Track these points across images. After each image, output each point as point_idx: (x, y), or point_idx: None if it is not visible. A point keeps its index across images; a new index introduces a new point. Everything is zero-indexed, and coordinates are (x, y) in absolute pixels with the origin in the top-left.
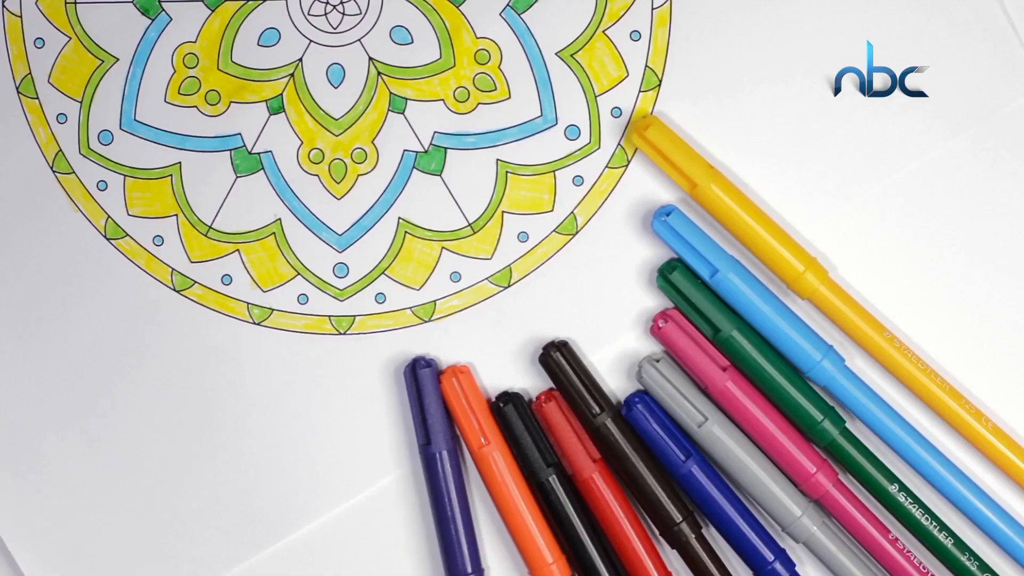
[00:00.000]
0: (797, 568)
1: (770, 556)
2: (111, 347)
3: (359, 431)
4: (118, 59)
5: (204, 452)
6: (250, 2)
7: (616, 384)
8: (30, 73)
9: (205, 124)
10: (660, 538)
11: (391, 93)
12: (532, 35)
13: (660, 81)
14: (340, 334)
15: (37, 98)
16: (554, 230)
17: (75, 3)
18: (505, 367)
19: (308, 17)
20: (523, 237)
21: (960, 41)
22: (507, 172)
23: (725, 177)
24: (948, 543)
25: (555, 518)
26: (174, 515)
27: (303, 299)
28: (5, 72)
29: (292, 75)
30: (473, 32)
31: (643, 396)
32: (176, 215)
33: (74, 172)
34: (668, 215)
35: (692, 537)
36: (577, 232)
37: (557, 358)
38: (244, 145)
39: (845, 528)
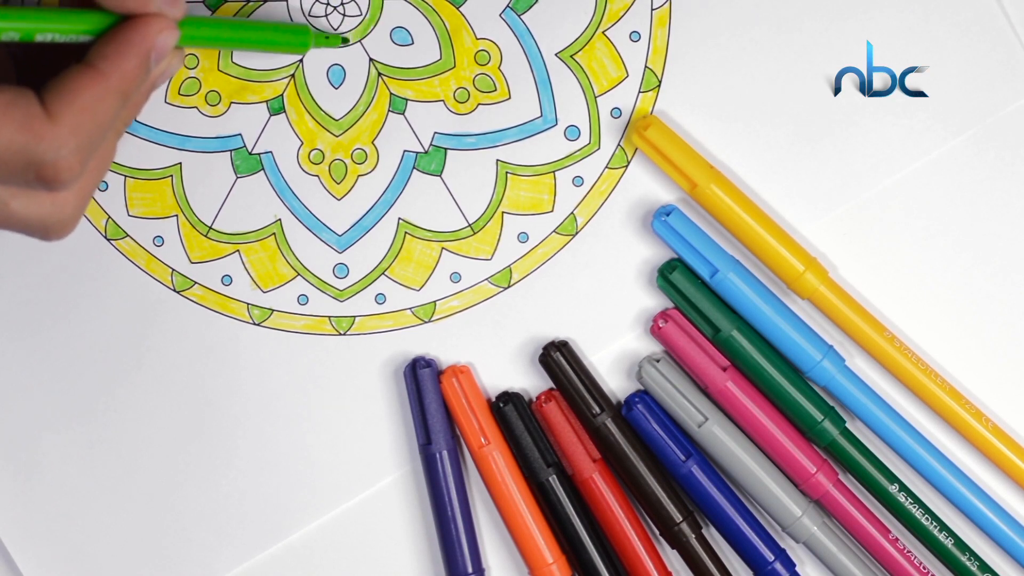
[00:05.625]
0: (797, 568)
1: (770, 556)
2: (111, 348)
3: (359, 431)
4: None
5: (204, 453)
6: (251, 3)
7: (616, 384)
8: None
9: (205, 124)
10: (660, 538)
11: (391, 94)
12: (532, 36)
13: (660, 81)
14: (340, 335)
15: None
16: (554, 230)
17: None
18: (505, 367)
19: (309, 18)
20: (523, 237)
21: (960, 42)
22: (507, 172)
23: (725, 177)
24: (948, 543)
25: (555, 518)
26: (174, 516)
27: (303, 300)
28: None
29: (292, 76)
30: (473, 33)
31: (643, 396)
32: (176, 215)
33: None
34: (668, 215)
35: (692, 537)
36: (577, 232)
37: (557, 358)
38: (244, 146)
39: (845, 528)
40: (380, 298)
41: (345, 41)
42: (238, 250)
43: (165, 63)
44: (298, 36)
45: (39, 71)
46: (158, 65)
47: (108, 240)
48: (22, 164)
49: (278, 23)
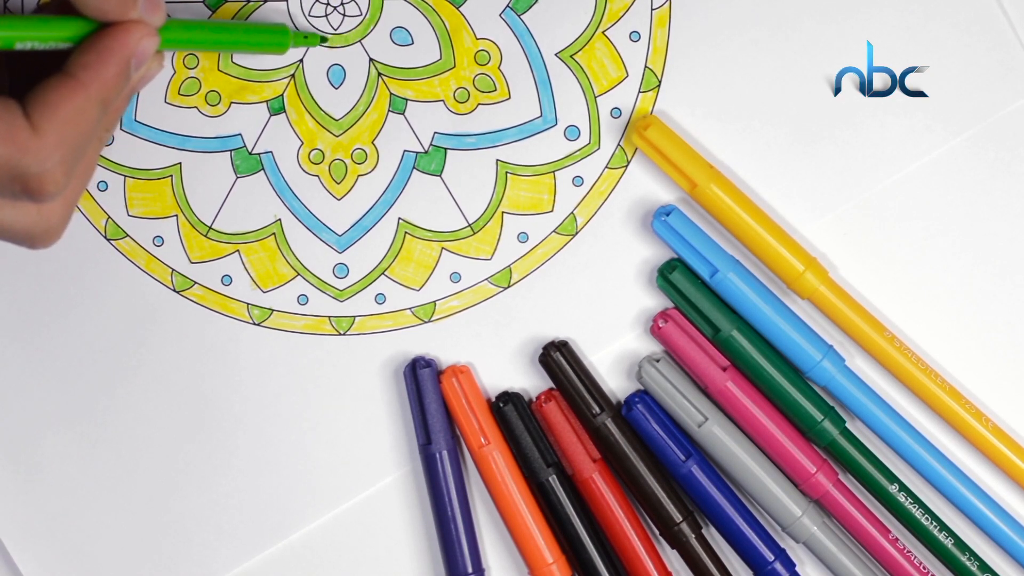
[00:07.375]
0: (797, 568)
1: (770, 556)
2: (111, 348)
3: (359, 431)
4: None
5: (204, 453)
6: (251, 3)
7: (616, 384)
8: None
9: (205, 124)
10: (660, 538)
11: (391, 94)
12: (532, 36)
13: (660, 81)
14: (340, 335)
15: None
16: (554, 230)
17: None
18: (505, 367)
19: (309, 18)
20: (523, 237)
21: (960, 42)
22: (507, 172)
23: (725, 177)
24: (948, 543)
25: (555, 518)
26: (173, 516)
27: (303, 300)
28: None
29: (293, 76)
30: (473, 33)
31: (643, 396)
32: (176, 215)
33: None
34: (668, 215)
35: (692, 537)
36: (577, 232)
37: (557, 358)
38: (244, 145)
39: (845, 528)
40: (380, 298)
41: (324, 40)
42: (238, 250)
43: (145, 68)
44: (277, 36)
45: (32, 77)
46: (138, 71)
47: (108, 240)
48: (7, 177)
49: (258, 24)
